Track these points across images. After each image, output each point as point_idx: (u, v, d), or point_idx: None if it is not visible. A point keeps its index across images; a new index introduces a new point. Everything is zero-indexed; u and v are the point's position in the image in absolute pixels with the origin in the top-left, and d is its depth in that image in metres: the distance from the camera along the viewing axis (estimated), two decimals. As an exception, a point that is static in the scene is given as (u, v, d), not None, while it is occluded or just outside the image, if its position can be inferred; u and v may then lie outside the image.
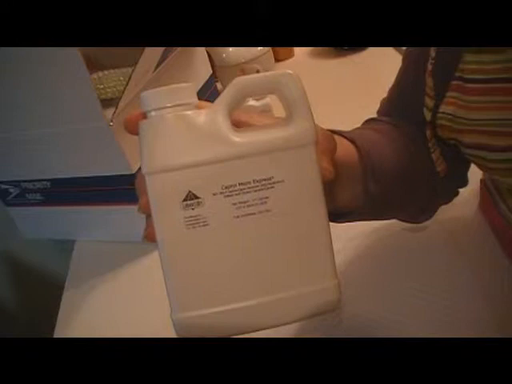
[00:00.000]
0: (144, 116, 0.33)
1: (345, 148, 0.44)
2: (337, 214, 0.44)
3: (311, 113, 0.33)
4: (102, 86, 0.80)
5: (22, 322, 0.99)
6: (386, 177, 0.46)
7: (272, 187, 0.32)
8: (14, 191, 0.80)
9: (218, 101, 0.33)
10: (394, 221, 0.55)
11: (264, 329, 0.33)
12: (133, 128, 0.33)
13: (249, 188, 0.32)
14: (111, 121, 0.64)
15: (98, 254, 0.78)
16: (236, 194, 0.32)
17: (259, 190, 0.32)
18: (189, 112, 0.32)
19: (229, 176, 0.32)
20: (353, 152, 0.45)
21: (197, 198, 0.32)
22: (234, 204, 0.32)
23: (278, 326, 0.33)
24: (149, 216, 0.33)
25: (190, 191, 0.32)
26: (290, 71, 0.33)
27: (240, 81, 0.33)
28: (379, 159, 0.46)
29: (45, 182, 0.76)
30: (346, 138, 0.45)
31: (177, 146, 0.32)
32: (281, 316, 0.33)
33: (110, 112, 0.65)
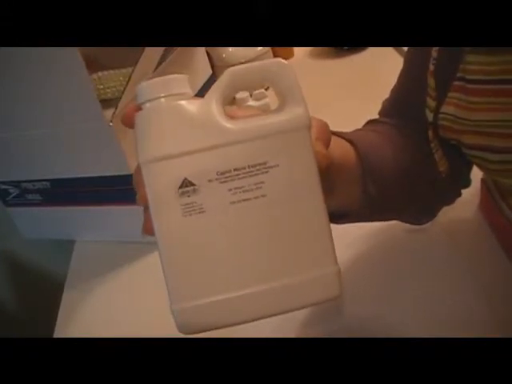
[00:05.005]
0: (140, 108, 0.33)
1: (343, 149, 0.44)
2: (336, 215, 0.44)
3: (304, 98, 0.33)
4: (101, 87, 0.80)
5: (22, 322, 0.99)
6: (384, 178, 0.46)
7: (267, 172, 0.32)
8: (13, 191, 0.80)
9: (211, 90, 0.33)
10: (394, 222, 0.55)
11: (265, 317, 0.32)
12: (130, 122, 0.33)
13: (244, 173, 0.32)
14: (111, 121, 0.64)
15: (97, 254, 0.78)
16: (231, 180, 0.32)
17: (254, 175, 0.32)
18: (182, 101, 0.32)
19: (223, 162, 0.32)
20: (351, 153, 0.45)
21: (192, 185, 0.32)
22: (230, 190, 0.32)
23: (277, 314, 0.32)
24: (147, 209, 0.33)
25: (185, 178, 0.32)
26: (281, 59, 0.33)
27: (233, 70, 0.33)
28: (378, 160, 0.46)
29: (45, 183, 0.76)
30: (344, 139, 0.45)
31: (171, 135, 0.32)
32: (280, 304, 0.32)
33: (109, 112, 0.65)
